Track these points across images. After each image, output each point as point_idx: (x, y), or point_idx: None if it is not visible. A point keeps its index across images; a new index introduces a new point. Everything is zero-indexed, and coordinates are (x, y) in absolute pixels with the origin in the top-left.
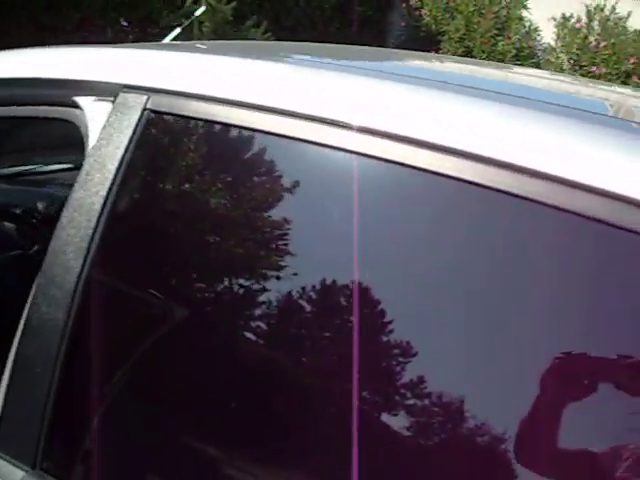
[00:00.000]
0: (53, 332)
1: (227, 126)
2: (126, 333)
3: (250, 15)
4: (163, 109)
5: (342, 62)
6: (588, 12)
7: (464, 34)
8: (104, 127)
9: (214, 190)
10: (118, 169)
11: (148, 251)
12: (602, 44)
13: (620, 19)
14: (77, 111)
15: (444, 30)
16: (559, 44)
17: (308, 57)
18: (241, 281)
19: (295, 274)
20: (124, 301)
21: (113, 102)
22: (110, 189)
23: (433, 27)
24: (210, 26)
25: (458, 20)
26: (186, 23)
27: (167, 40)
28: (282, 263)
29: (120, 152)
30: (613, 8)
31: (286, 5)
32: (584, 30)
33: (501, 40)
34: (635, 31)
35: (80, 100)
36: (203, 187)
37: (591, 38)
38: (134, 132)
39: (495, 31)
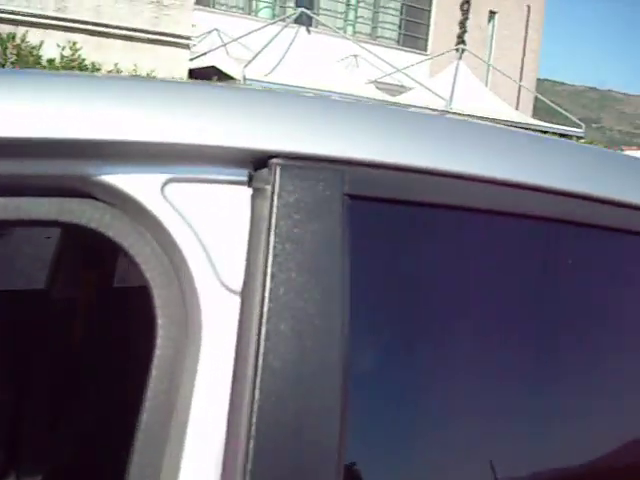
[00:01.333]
0: None
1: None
2: None
3: None
4: (377, 193)
5: None
6: (1, 40)
7: None
8: (258, 236)
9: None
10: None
11: None
12: (17, 67)
13: (33, 47)
14: (103, 207)
15: None
16: None
17: None
18: None
19: None
20: None
21: (249, 184)
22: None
23: None
24: None
25: None
26: None
27: None
28: None
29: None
30: (24, 37)
31: None
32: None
33: None
34: (48, 60)
35: (119, 183)
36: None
37: (8, 65)
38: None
39: None
